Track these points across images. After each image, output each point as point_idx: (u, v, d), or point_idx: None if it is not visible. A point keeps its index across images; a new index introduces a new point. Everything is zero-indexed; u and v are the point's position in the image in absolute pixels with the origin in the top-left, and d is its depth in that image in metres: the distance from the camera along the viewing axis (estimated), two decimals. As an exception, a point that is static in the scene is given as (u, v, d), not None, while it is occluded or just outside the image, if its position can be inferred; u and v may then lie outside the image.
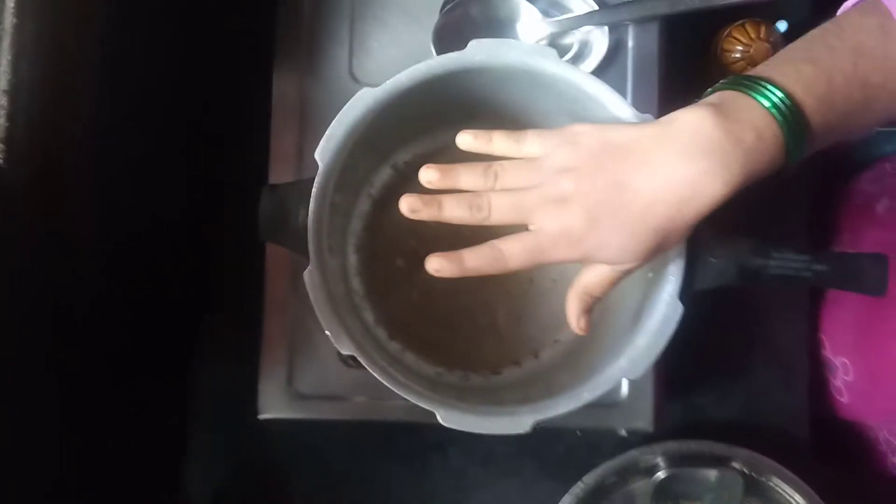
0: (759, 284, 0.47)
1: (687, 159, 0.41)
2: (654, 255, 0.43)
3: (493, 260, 0.44)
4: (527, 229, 0.44)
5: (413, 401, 0.46)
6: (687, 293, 0.47)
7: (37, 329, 0.48)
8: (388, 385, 0.46)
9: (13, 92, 0.44)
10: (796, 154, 0.43)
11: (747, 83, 0.43)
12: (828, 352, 0.66)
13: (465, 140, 0.47)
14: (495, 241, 0.44)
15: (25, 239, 0.45)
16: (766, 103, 0.42)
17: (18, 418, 0.47)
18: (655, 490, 0.63)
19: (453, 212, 0.45)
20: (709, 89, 0.46)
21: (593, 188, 0.42)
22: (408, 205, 0.45)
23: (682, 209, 0.41)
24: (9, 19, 0.44)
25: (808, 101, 0.42)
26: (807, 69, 0.43)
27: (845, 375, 0.64)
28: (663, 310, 0.47)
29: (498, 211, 0.44)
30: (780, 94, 0.42)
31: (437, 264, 0.45)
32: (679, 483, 0.63)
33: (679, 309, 0.47)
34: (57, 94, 0.47)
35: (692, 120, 0.41)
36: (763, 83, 0.42)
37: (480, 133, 0.46)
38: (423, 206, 0.45)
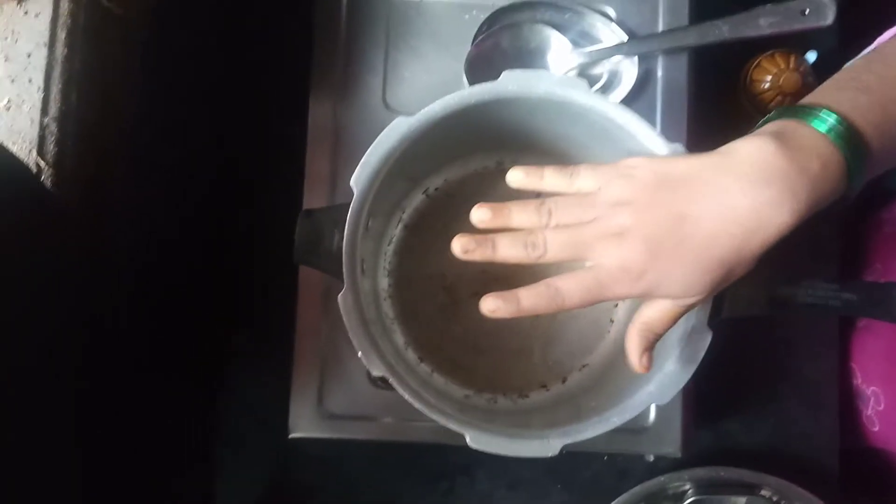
0: (788, 313, 0.47)
1: (750, 189, 0.40)
2: (719, 287, 0.42)
3: (550, 299, 0.42)
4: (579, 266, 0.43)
5: (442, 423, 0.47)
6: (716, 321, 0.47)
7: (72, 344, 0.50)
8: (419, 407, 0.47)
9: (62, 119, 0.46)
10: (858, 181, 0.42)
11: (805, 111, 0.42)
12: (859, 381, 0.66)
13: (516, 177, 0.45)
14: (552, 280, 0.42)
15: (70, 256, 0.47)
16: (827, 130, 0.41)
17: (52, 437, 0.48)
18: (683, 517, 0.63)
19: (508, 251, 0.43)
20: (762, 119, 0.45)
21: (652, 221, 0.40)
22: (461, 245, 0.43)
23: (747, 240, 0.40)
24: (60, 50, 0.47)
25: (867, 129, 0.41)
26: (861, 98, 0.42)
27: (877, 405, 0.63)
28: (693, 336, 0.47)
29: (554, 248, 0.42)
30: (839, 121, 0.41)
31: (492, 305, 0.43)
32: None
33: (708, 336, 0.47)
34: (102, 122, 0.49)
35: (754, 149, 0.40)
36: (820, 111, 0.42)
37: (532, 169, 0.45)
38: (476, 247, 0.43)
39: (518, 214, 0.44)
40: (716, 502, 0.63)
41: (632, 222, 0.41)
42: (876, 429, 0.64)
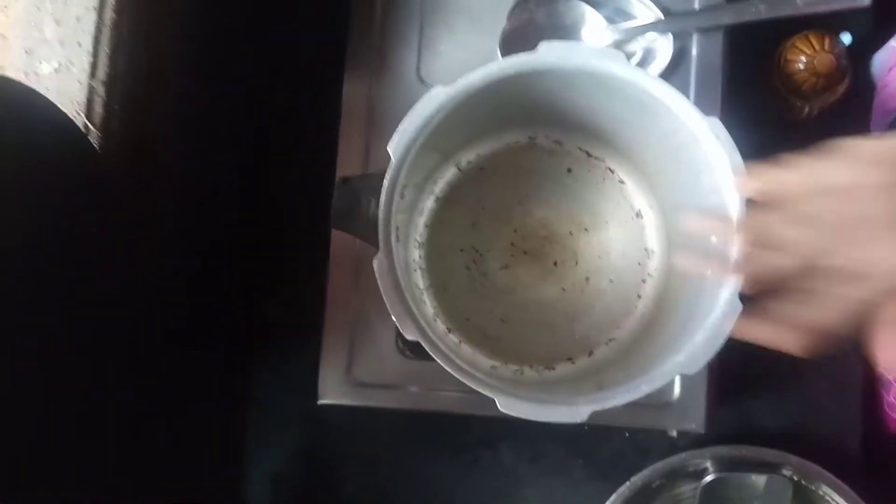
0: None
1: None
2: None
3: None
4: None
5: (473, 386, 0.48)
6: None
7: (120, 308, 0.51)
8: (450, 370, 0.48)
9: (110, 83, 0.47)
10: None
11: None
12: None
13: (754, 186, 0.42)
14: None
15: (115, 219, 0.48)
16: None
17: (94, 395, 0.50)
18: (703, 493, 0.64)
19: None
20: None
21: None
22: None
23: None
24: (109, 15, 0.48)
25: None
26: None
27: None
28: (722, 307, 0.47)
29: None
30: None
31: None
32: (728, 488, 0.64)
33: (738, 306, 0.47)
34: (148, 88, 0.50)
35: None
36: None
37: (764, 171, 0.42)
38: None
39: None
40: (736, 480, 0.64)
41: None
42: None
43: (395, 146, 0.49)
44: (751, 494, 0.63)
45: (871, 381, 0.68)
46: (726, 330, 0.47)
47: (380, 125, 0.61)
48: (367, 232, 0.50)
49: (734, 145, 0.48)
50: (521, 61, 0.49)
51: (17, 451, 0.41)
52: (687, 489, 0.67)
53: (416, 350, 0.61)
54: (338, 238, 0.62)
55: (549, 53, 0.49)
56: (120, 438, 0.54)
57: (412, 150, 0.50)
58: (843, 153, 0.38)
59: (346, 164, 0.61)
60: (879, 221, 0.36)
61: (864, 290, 0.37)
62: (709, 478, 0.64)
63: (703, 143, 0.49)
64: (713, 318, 0.48)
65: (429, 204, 0.62)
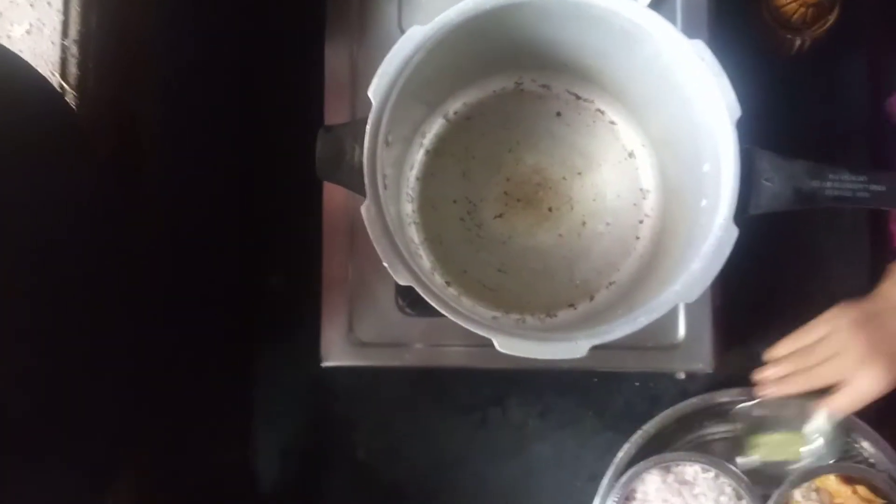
0: (815, 206, 0.46)
1: None
2: None
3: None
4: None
5: (471, 328, 0.47)
6: (742, 217, 0.47)
7: (112, 274, 0.51)
8: (446, 313, 0.47)
9: (83, 42, 0.47)
10: None
11: None
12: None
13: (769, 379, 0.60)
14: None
15: (98, 179, 0.47)
16: None
17: (95, 363, 0.49)
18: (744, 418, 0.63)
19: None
20: None
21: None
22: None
23: None
24: (78, -28, 0.47)
25: None
26: None
27: None
28: (718, 234, 0.47)
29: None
30: None
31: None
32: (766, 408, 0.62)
33: (734, 232, 0.46)
34: (123, 44, 0.50)
35: None
36: None
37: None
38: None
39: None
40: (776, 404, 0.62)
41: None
42: None
43: (374, 89, 0.48)
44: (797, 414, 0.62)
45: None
46: (723, 256, 0.46)
47: (364, 78, 0.60)
48: (354, 180, 0.49)
49: (720, 67, 0.47)
50: (498, -6, 0.48)
51: (19, 422, 0.41)
52: (709, 431, 0.66)
53: (415, 306, 0.60)
54: (331, 200, 0.61)
55: (525, -16, 0.48)
56: (122, 414, 0.54)
57: (393, 93, 0.49)
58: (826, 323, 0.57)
59: (333, 120, 0.61)
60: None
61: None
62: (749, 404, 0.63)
63: (688, 65, 0.48)
64: (708, 246, 0.47)
65: (419, 157, 0.61)
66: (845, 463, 0.62)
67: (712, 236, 0.47)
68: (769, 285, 0.68)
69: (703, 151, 0.50)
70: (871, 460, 0.62)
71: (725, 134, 0.47)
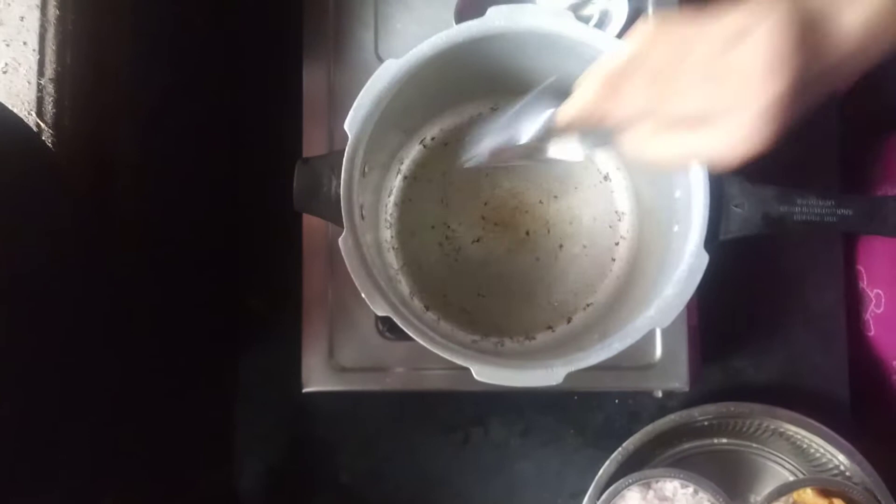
0: (785, 231, 0.47)
1: None
2: None
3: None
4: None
5: (448, 357, 0.48)
6: (713, 243, 0.48)
7: (92, 304, 0.51)
8: (423, 342, 0.48)
9: (59, 80, 0.47)
10: None
11: None
12: (864, 284, 0.66)
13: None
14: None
15: (75, 215, 0.48)
16: None
17: (77, 391, 0.50)
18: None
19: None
20: None
21: None
22: None
23: None
24: (52, 12, 0.47)
25: None
26: None
27: (877, 308, 0.64)
28: (689, 260, 0.47)
29: None
30: None
31: None
32: None
33: (705, 258, 0.47)
34: (98, 83, 0.50)
35: None
36: None
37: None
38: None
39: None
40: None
41: None
42: (871, 333, 0.64)
43: (350, 122, 0.49)
44: None
45: (854, 315, 0.68)
46: (695, 282, 0.47)
47: (342, 107, 0.60)
48: (332, 212, 0.50)
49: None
50: (469, 27, 0.49)
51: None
52: (688, 446, 0.67)
53: (395, 330, 0.60)
54: (310, 226, 0.61)
55: (496, 18, 0.48)
56: (104, 440, 0.54)
57: (369, 125, 0.50)
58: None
59: (312, 150, 0.61)
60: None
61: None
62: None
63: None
64: (680, 272, 0.48)
65: (396, 183, 0.61)
66: (822, 476, 0.63)
67: (684, 262, 0.48)
68: (745, 301, 0.69)
69: (674, 178, 0.51)
70: (848, 473, 0.63)
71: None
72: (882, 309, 0.63)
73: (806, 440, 0.64)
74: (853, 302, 0.67)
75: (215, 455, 0.70)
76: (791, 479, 0.66)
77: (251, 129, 0.70)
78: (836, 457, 0.63)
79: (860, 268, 0.67)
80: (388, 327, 0.61)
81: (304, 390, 0.62)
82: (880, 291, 0.63)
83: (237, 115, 0.69)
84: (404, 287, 0.61)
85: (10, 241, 0.41)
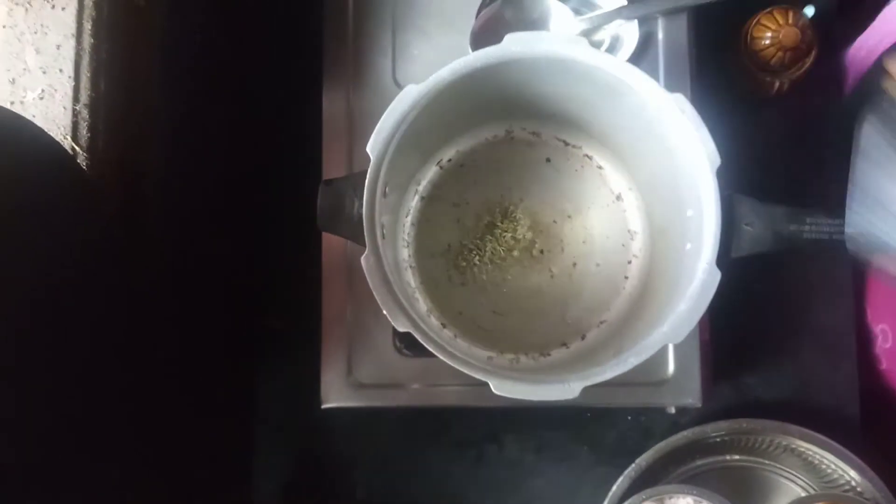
0: (795, 249, 0.49)
1: None
2: None
3: None
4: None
5: (467, 372, 0.49)
6: (724, 261, 0.49)
7: (114, 319, 0.52)
8: (443, 357, 0.49)
9: (93, 106, 0.49)
10: None
11: None
12: (868, 319, 0.67)
13: None
14: None
15: (104, 232, 0.49)
16: None
17: (93, 412, 0.51)
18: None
19: None
20: None
21: None
22: None
23: None
24: (87, 41, 0.49)
25: None
26: None
27: (884, 343, 0.65)
28: (702, 277, 0.49)
29: None
30: None
31: None
32: None
33: (717, 275, 0.49)
34: (129, 107, 0.52)
35: None
36: None
37: None
38: None
39: None
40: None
41: None
42: (883, 367, 0.65)
43: (372, 145, 0.51)
44: None
45: (862, 337, 0.68)
46: (707, 298, 0.48)
47: (361, 130, 0.62)
48: (354, 232, 0.51)
49: (700, 119, 0.50)
50: (487, 54, 0.50)
51: (16, 466, 0.42)
52: (700, 463, 0.68)
53: (412, 347, 0.62)
54: (329, 245, 0.63)
55: (513, 44, 0.50)
56: (123, 457, 0.55)
57: (390, 148, 0.51)
58: None
59: (331, 171, 0.63)
60: None
61: None
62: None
63: (670, 118, 0.50)
64: (693, 288, 0.49)
65: (414, 203, 0.63)
66: (834, 492, 0.64)
67: (697, 279, 0.49)
68: (756, 318, 0.70)
69: (686, 198, 0.52)
70: (859, 489, 0.63)
71: (706, 183, 0.49)
72: (890, 343, 0.64)
73: (817, 456, 0.65)
74: (862, 335, 0.68)
75: (233, 471, 0.71)
76: (803, 495, 0.67)
77: (273, 152, 0.72)
78: (848, 472, 0.64)
79: (865, 305, 0.68)
80: (405, 344, 0.62)
81: (324, 406, 0.63)
82: (885, 327, 0.65)
83: (259, 138, 0.71)
84: (422, 305, 0.62)
85: (46, 257, 0.42)
